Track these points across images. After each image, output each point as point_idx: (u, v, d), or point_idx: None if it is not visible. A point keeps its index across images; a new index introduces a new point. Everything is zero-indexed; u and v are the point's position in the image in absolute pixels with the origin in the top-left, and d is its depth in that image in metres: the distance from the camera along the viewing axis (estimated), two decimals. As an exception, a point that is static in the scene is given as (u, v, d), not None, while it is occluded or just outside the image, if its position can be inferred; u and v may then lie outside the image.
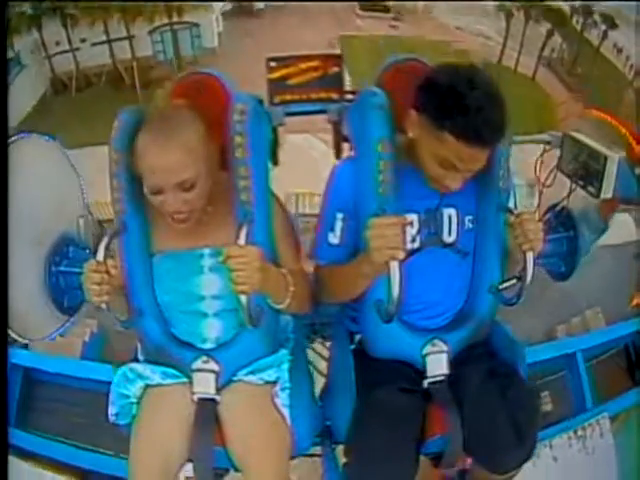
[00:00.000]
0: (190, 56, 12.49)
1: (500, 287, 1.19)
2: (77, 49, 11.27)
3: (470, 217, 1.22)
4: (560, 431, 1.75)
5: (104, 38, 11.41)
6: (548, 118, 9.06)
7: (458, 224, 1.21)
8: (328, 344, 1.49)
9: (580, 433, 1.76)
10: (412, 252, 1.16)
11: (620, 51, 10.28)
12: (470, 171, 1.09)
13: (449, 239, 1.21)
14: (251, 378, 1.21)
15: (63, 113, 9.90)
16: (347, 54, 10.50)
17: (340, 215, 1.20)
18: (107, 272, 1.07)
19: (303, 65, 1.67)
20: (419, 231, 1.19)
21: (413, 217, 1.19)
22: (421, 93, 1.08)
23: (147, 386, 1.21)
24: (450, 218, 1.21)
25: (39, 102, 10.23)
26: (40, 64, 10.78)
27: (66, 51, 11.07)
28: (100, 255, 1.07)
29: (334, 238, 1.21)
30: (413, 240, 1.19)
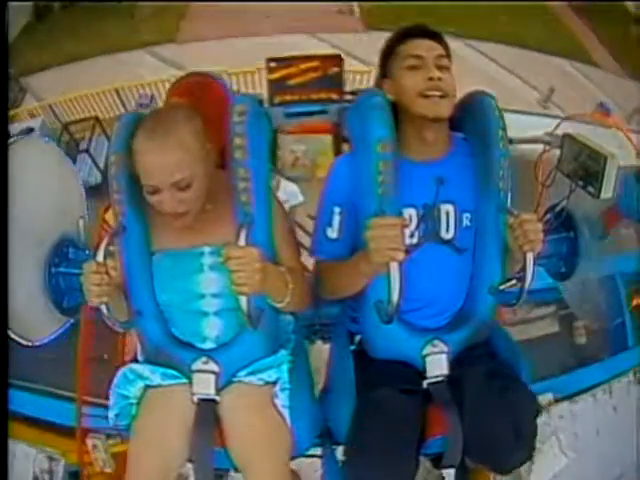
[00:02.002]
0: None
1: (500, 288, 1.19)
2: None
3: (468, 215, 1.22)
4: (618, 375, 1.65)
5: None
6: (558, 38, 9.03)
7: (456, 221, 1.21)
8: (328, 345, 1.49)
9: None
10: (411, 248, 1.16)
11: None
12: (436, 61, 1.17)
13: (447, 235, 1.21)
14: (251, 379, 1.21)
15: (48, 34, 9.74)
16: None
17: (337, 209, 1.20)
18: (107, 273, 1.07)
19: (303, 65, 1.67)
20: (417, 226, 1.20)
21: (411, 212, 1.19)
22: (379, 61, 1.27)
23: (147, 387, 1.22)
24: (448, 214, 1.21)
25: (23, 30, 9.98)
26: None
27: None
28: (100, 256, 1.08)
29: (332, 232, 1.21)
30: (412, 235, 1.19)
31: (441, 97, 1.15)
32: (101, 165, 5.75)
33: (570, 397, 2.03)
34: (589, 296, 1.36)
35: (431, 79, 1.15)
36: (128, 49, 8.54)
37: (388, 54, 1.24)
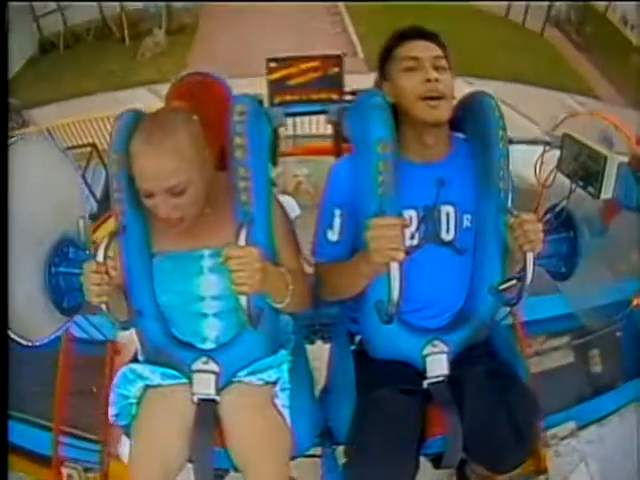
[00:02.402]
0: (182, 6, 11.97)
1: (500, 288, 1.19)
2: (66, 7, 11.17)
3: (468, 216, 1.22)
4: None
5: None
6: (558, 72, 9.19)
7: (456, 222, 1.21)
8: (328, 345, 1.49)
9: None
10: (411, 249, 1.16)
11: (626, 22, 10.49)
12: (433, 62, 1.17)
13: (447, 237, 1.21)
14: (251, 379, 1.21)
15: (52, 69, 9.98)
16: (353, 17, 10.49)
17: (338, 211, 1.20)
18: (107, 273, 1.07)
19: (303, 66, 1.66)
20: (417, 228, 1.20)
21: (412, 213, 1.19)
22: (378, 64, 1.26)
23: (147, 387, 1.22)
24: (448, 215, 1.21)
25: (27, 63, 10.20)
26: (27, 26, 10.64)
27: (54, 10, 10.95)
28: (100, 256, 1.07)
29: (333, 235, 1.21)
30: (412, 237, 1.19)
31: (440, 99, 1.15)
32: (97, 194, 5.47)
33: (597, 421, 2.03)
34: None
35: (428, 81, 1.15)
36: (129, 87, 8.71)
37: (385, 57, 1.24)
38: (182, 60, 9.68)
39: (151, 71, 9.51)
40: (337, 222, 1.21)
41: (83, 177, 5.64)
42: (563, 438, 1.98)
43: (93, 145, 6.16)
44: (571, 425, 2.04)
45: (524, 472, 1.77)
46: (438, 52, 1.20)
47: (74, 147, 6.25)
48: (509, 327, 1.91)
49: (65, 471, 1.96)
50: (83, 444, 2.01)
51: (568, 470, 1.89)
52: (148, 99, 7.81)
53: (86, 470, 1.99)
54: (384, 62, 1.25)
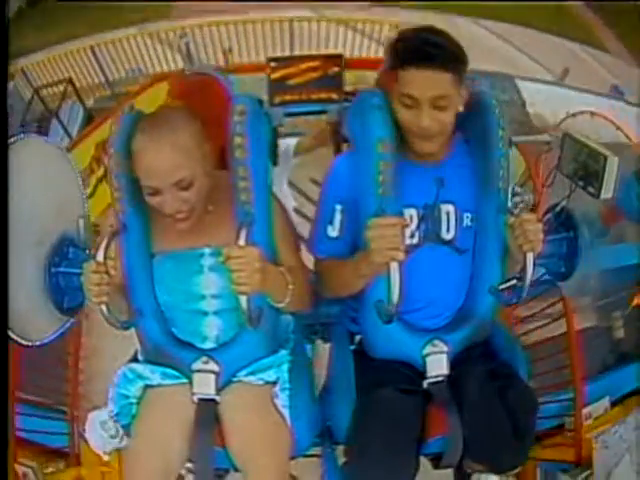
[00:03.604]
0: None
1: (500, 287, 1.19)
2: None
3: (469, 215, 1.22)
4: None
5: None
6: (566, 22, 9.13)
7: (456, 221, 1.21)
8: (328, 345, 1.49)
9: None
10: (411, 248, 1.16)
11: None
12: (432, 102, 1.08)
13: (447, 236, 1.21)
14: (251, 378, 1.21)
15: (40, 20, 9.87)
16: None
17: (339, 207, 1.20)
18: (107, 272, 1.07)
19: (303, 65, 1.67)
20: (418, 227, 1.20)
21: (412, 212, 1.19)
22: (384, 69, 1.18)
23: (147, 386, 1.22)
24: (448, 214, 1.21)
25: (15, 16, 10.12)
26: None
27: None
28: (100, 256, 1.08)
29: (333, 231, 1.21)
30: (412, 236, 1.19)
31: (433, 136, 1.12)
32: (73, 133, 5.03)
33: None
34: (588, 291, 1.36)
35: (423, 128, 1.10)
36: (116, 29, 8.27)
37: (389, 72, 1.14)
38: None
39: (138, 12, 9.24)
40: (337, 218, 1.20)
41: (57, 115, 5.05)
42: (597, 418, 1.90)
43: (69, 81, 5.78)
44: (605, 403, 1.95)
45: (563, 460, 1.72)
46: (440, 90, 1.08)
47: (50, 85, 5.86)
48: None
49: (20, 469, 1.84)
50: (50, 426, 1.89)
51: (613, 463, 1.84)
52: (135, 38, 7.23)
53: (48, 461, 1.87)
54: (386, 77, 1.16)
